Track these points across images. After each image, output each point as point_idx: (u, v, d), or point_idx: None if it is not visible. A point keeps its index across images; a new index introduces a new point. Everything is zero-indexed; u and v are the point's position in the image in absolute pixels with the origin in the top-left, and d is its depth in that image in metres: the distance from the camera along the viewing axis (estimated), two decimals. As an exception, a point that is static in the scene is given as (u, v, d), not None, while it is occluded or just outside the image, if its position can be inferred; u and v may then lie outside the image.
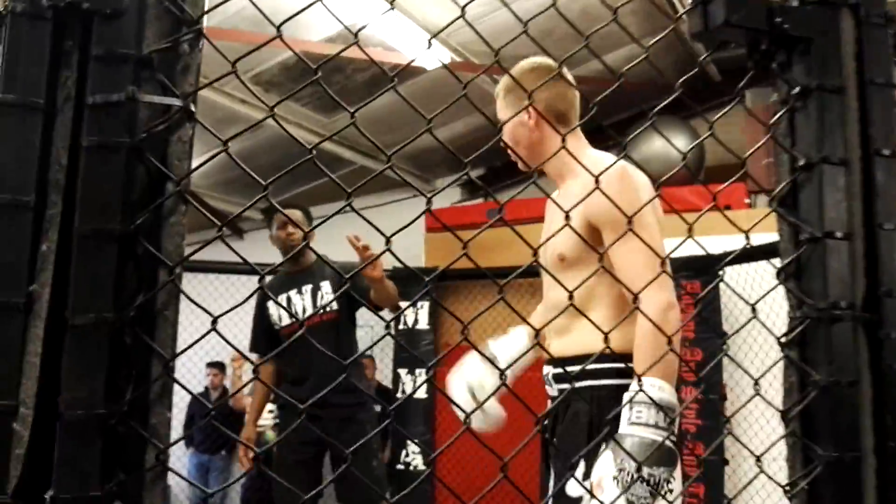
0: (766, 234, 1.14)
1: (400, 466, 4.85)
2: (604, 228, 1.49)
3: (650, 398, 1.21)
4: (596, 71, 5.08)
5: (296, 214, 3.28)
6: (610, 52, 4.89)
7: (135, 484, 0.66)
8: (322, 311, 3.11)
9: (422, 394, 4.88)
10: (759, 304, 1.01)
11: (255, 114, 5.18)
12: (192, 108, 0.73)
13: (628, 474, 1.16)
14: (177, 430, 5.50)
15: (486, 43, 1.03)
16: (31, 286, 0.66)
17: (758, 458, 0.94)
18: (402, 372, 4.98)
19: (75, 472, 0.64)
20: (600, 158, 1.57)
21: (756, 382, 0.91)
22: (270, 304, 3.16)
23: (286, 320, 3.17)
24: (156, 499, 0.66)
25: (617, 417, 1.29)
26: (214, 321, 0.69)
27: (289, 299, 3.20)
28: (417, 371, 4.92)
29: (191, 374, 5.47)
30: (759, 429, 3.64)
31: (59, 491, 0.63)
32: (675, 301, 1.34)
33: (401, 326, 4.95)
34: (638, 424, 1.22)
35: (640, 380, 1.24)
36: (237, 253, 0.82)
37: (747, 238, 0.95)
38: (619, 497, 1.15)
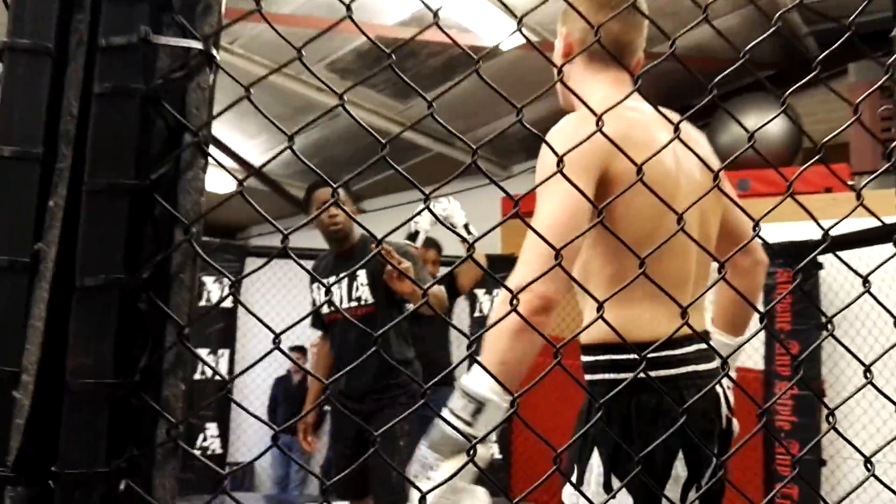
0: (870, 220, 0.98)
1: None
2: None
3: (461, 385, 1.06)
4: (684, 48, 4.84)
5: (329, 193, 3.09)
6: (699, 28, 4.64)
7: (146, 461, 0.60)
8: (358, 303, 2.92)
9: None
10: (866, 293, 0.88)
11: (332, 101, 5.19)
12: (213, 52, 0.67)
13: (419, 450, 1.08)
14: (261, 410, 5.61)
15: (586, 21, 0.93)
16: (36, 245, 0.61)
17: (867, 459, 0.83)
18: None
19: (82, 447, 0.59)
20: (586, 107, 1.06)
21: (867, 370, 0.77)
22: (314, 286, 3.00)
23: (325, 308, 3.00)
24: (167, 477, 0.60)
25: (611, 420, 1.18)
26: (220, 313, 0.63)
27: (350, 284, 3.02)
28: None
29: (275, 357, 5.56)
30: (862, 427, 3.36)
31: (64, 466, 0.58)
32: (525, 285, 0.98)
33: (476, 314, 4.87)
34: (446, 407, 1.08)
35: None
36: (275, 223, 0.75)
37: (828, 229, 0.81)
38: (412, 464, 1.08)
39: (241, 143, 5.80)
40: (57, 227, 0.61)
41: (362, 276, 2.88)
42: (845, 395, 3.71)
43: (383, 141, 0.72)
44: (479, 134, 6.16)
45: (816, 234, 0.94)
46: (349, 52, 4.81)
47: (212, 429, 4.21)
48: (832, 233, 0.93)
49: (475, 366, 1.03)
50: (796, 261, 3.83)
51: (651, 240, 1.06)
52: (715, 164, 1.31)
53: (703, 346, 1.26)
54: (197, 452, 4.13)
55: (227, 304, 4.37)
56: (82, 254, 0.61)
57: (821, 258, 3.54)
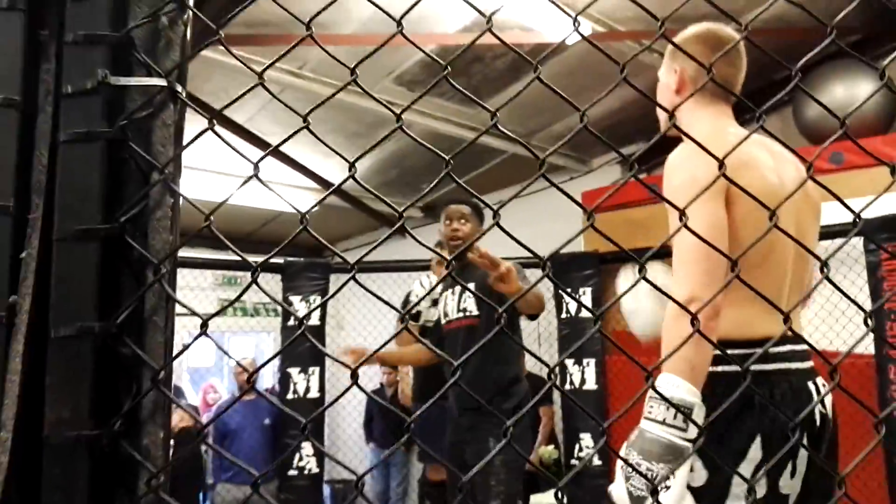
0: None
1: (574, 462, 4.68)
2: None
3: (660, 394, 1.04)
4: (762, 20, 4.59)
5: (462, 209, 3.13)
6: (774, -2, 4.38)
7: (128, 512, 0.59)
8: (463, 314, 2.99)
9: (591, 384, 4.67)
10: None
11: (404, 115, 5.22)
12: (177, 87, 0.65)
13: (630, 466, 1.18)
14: (356, 425, 5.69)
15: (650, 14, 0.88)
16: (11, 297, 0.61)
17: None
18: (569, 363, 4.80)
19: (63, 500, 0.58)
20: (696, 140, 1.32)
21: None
22: (413, 296, 3.11)
23: (452, 315, 3.08)
24: (149, 529, 0.58)
25: (710, 406, 1.25)
26: (204, 324, 0.61)
27: (445, 298, 3.14)
28: (585, 361, 4.71)
29: (365, 371, 5.64)
30: None
31: (46, 521, 0.58)
32: (698, 296, 1.22)
33: (563, 315, 4.76)
34: (647, 419, 1.21)
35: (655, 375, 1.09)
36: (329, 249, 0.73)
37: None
38: (620, 485, 1.18)
39: (320, 162, 5.93)
40: (30, 278, 0.61)
41: (472, 289, 2.97)
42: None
43: (447, 157, 0.73)
44: (554, 130, 6.05)
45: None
46: (414, 64, 4.82)
47: (307, 448, 4.28)
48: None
49: (666, 375, 1.21)
50: (901, 234, 3.52)
51: (762, 250, 1.26)
52: (811, 184, 1.41)
53: (797, 346, 1.38)
54: (294, 473, 4.23)
55: (315, 321, 4.46)
56: (55, 303, 0.60)
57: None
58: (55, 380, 0.59)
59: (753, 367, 1.23)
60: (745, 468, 1.28)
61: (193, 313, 0.62)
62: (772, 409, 1.27)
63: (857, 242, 3.88)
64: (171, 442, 0.61)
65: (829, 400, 1.41)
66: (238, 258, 0.63)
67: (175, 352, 0.63)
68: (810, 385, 1.36)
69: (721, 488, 1.27)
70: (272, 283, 5.10)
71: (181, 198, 0.65)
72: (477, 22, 4.45)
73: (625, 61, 0.82)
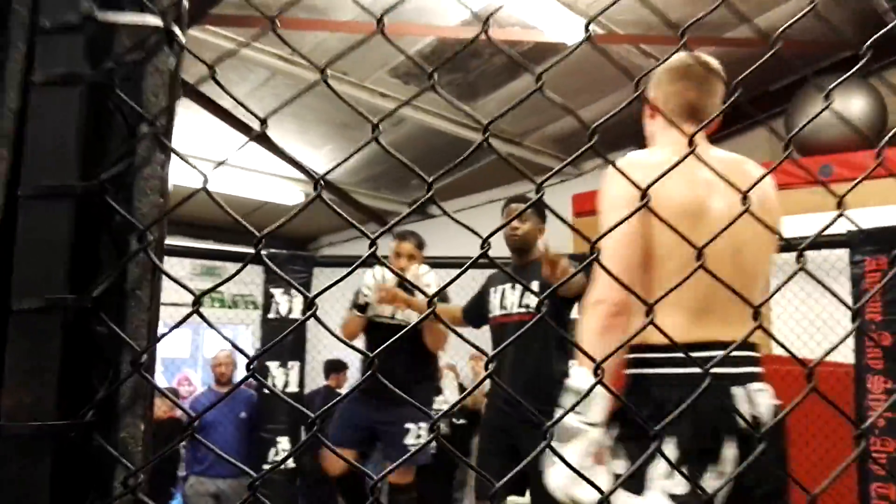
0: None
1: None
2: None
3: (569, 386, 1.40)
4: (758, 32, 4.55)
5: (522, 207, 3.16)
6: (772, 9, 4.36)
7: (97, 518, 0.50)
8: (526, 309, 3.02)
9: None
10: None
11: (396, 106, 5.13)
12: (174, 29, 0.57)
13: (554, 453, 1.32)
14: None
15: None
16: (-32, 262, 0.52)
17: None
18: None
19: (20, 501, 0.49)
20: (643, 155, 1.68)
21: None
22: (489, 290, 3.17)
23: (495, 311, 3.16)
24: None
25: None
26: (196, 302, 0.52)
27: (503, 292, 3.17)
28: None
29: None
30: None
31: (-3, 526, 0.49)
32: (604, 296, 1.44)
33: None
34: (557, 407, 1.40)
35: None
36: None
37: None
38: (549, 473, 1.37)
39: (308, 153, 5.82)
40: (-8, 241, 0.52)
41: (535, 286, 3.03)
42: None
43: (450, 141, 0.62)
44: (547, 131, 5.99)
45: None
46: (412, 56, 4.74)
47: (283, 442, 4.17)
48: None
49: (575, 367, 1.45)
50: (885, 247, 3.54)
51: (676, 258, 1.45)
52: (767, 201, 1.56)
53: (721, 353, 1.40)
54: (268, 467, 4.11)
55: (296, 315, 4.35)
56: (18, 270, 0.51)
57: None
58: (15, 360, 0.50)
59: (671, 371, 1.44)
60: (662, 465, 1.38)
61: (184, 287, 0.53)
62: (687, 411, 1.35)
63: (844, 254, 3.91)
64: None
65: (766, 403, 1.47)
66: (218, 248, 0.55)
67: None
68: (735, 390, 1.44)
69: (640, 480, 1.41)
70: (253, 275, 4.98)
71: (174, 156, 0.57)
72: (479, 14, 4.38)
73: (637, 74, 0.75)
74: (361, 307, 3.40)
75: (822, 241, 3.99)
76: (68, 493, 0.50)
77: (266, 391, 4.18)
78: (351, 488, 3.68)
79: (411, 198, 7.10)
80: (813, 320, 3.68)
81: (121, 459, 0.51)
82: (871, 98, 4.60)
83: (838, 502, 3.42)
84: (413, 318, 3.39)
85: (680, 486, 1.37)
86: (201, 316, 0.49)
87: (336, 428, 3.46)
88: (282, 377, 4.22)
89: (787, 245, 1.00)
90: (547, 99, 0.70)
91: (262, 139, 4.38)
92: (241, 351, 0.51)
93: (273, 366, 4.15)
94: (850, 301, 3.75)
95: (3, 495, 0.49)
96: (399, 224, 0.70)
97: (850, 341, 3.73)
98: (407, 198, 7.13)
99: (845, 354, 3.73)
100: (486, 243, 0.67)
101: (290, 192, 6.67)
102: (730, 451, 1.40)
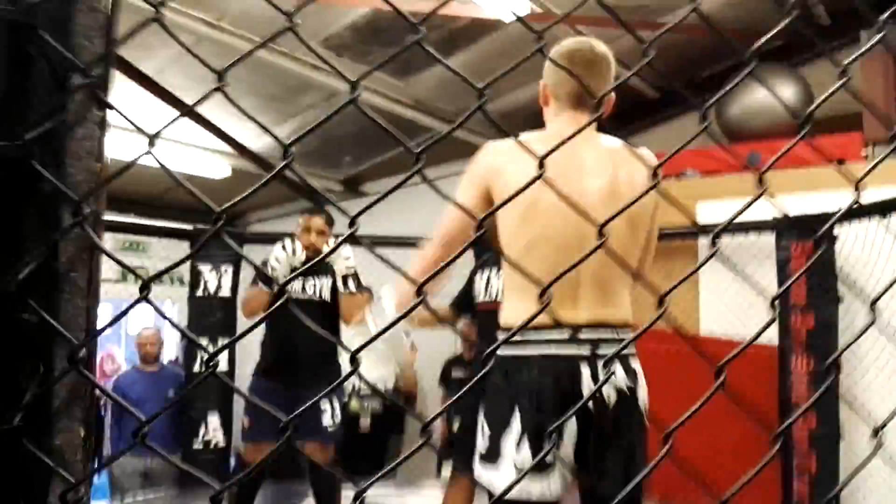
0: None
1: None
2: None
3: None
4: (690, 19, 4.62)
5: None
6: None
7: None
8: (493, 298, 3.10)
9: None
10: (880, 266, 0.72)
11: (329, 80, 5.00)
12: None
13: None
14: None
15: None
16: None
17: (875, 431, 0.83)
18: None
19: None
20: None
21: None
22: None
23: (480, 297, 3.23)
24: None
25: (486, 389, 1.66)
26: (144, 287, 0.46)
27: (488, 279, 3.22)
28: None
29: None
30: (881, 401, 3.35)
31: None
32: (412, 267, 1.61)
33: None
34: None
35: None
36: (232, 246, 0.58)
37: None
38: None
39: (234, 126, 5.62)
40: None
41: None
42: (861, 370, 3.57)
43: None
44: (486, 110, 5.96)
45: (829, 207, 0.81)
46: (344, 28, 4.61)
47: (213, 421, 4.07)
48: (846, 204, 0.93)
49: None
50: (809, 234, 3.69)
51: (517, 242, 1.60)
52: (639, 188, 1.58)
53: (565, 334, 1.57)
54: (199, 447, 4.00)
55: (226, 292, 4.21)
56: (-70, 250, 0.44)
57: (836, 230, 3.40)
58: (-73, 353, 0.43)
59: (514, 352, 1.55)
60: (511, 437, 1.56)
61: (129, 270, 0.47)
62: (527, 388, 1.54)
63: (771, 239, 4.05)
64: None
65: (618, 382, 1.57)
66: (142, 221, 0.49)
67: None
68: (584, 368, 1.54)
69: (496, 452, 1.57)
70: (179, 251, 4.79)
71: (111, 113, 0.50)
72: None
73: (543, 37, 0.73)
74: (268, 281, 3.23)
75: (749, 226, 4.13)
76: (-7, 504, 0.44)
77: (195, 370, 4.05)
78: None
79: (343, 175, 6.97)
80: (746, 299, 3.83)
81: (57, 470, 0.44)
82: (800, 88, 4.76)
83: (763, 494, 3.57)
84: (325, 291, 3.29)
85: (526, 459, 1.52)
86: (151, 304, 0.43)
87: (252, 422, 3.27)
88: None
89: (706, 229, 1.01)
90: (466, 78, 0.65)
91: (192, 113, 4.19)
92: (199, 345, 0.45)
93: (202, 342, 4.03)
94: (775, 283, 3.92)
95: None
96: (381, 201, 0.65)
97: (774, 324, 3.89)
98: (339, 175, 7.00)
99: (770, 337, 3.89)
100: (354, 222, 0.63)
101: (217, 165, 6.44)
102: (571, 427, 1.53)
